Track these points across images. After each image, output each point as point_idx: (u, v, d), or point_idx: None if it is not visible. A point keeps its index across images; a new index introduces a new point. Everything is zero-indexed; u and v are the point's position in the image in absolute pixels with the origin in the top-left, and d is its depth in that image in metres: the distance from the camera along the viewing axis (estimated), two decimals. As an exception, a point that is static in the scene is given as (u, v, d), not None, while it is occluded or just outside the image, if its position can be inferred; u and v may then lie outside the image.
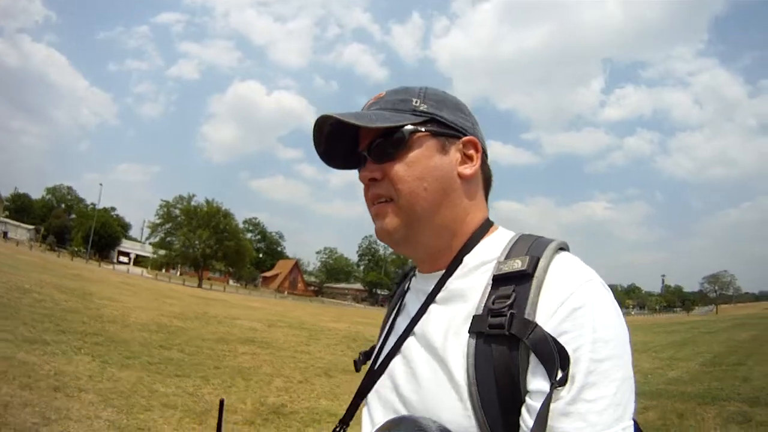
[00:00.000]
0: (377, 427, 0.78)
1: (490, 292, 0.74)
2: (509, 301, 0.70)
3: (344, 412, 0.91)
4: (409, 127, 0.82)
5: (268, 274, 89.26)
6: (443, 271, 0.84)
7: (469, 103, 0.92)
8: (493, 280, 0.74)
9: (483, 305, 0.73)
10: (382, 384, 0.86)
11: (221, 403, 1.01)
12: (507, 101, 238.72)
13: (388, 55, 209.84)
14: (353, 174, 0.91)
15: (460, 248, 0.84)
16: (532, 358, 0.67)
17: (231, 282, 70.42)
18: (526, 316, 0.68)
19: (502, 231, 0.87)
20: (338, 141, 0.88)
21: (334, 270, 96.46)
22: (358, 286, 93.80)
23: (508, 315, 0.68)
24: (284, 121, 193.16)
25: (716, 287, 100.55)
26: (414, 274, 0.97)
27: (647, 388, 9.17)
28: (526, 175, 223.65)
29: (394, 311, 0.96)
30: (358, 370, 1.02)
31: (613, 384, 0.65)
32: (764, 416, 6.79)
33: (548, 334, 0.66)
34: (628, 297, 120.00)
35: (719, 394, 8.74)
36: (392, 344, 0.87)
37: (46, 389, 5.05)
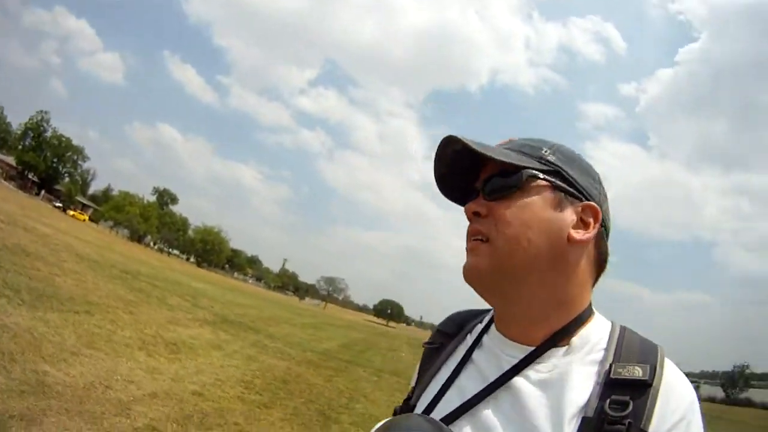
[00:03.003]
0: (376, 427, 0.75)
1: (602, 393, 0.71)
2: (628, 411, 0.68)
3: None
4: (529, 171, 0.77)
5: None
6: (536, 345, 0.78)
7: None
8: (608, 383, 0.72)
9: (595, 407, 0.70)
10: None
11: None
12: (227, 41, 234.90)
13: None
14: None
15: (565, 325, 0.78)
16: None
17: None
18: (642, 427, 0.68)
19: (600, 318, 0.82)
20: (460, 170, 0.84)
21: (-12, 130, 76.84)
22: (11, 160, 77.41)
23: (626, 424, 0.67)
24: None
25: (330, 288, 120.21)
26: (486, 331, 0.88)
27: (316, 351, 13.57)
28: (200, 110, 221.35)
29: (454, 364, 0.86)
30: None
31: None
32: (386, 377, 12.33)
33: None
34: (249, 266, 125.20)
35: (361, 362, 14.33)
36: (458, 403, 0.79)
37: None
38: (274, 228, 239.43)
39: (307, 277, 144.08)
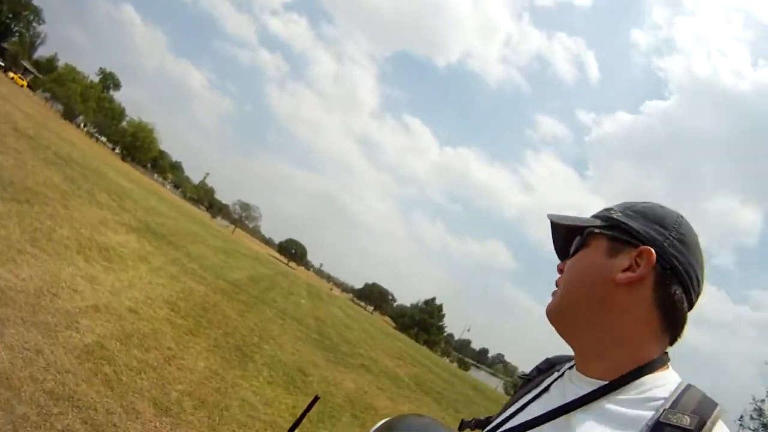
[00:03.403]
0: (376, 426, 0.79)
1: None
2: None
3: None
4: (589, 228, 0.88)
5: None
6: (604, 382, 0.80)
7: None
8: (655, 426, 0.72)
9: None
10: None
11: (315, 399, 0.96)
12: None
13: None
14: None
15: (632, 369, 0.79)
16: None
17: None
18: None
19: (672, 372, 0.82)
20: (572, 239, 0.93)
21: None
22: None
23: None
24: None
25: (244, 213, 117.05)
26: (570, 366, 0.93)
27: (228, 279, 13.70)
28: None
29: (532, 393, 0.94)
30: (461, 430, 1.02)
31: None
32: (289, 322, 12.85)
33: None
34: (171, 170, 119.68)
35: (267, 301, 14.69)
36: (517, 423, 0.86)
37: None
38: (205, 139, 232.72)
39: (222, 195, 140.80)
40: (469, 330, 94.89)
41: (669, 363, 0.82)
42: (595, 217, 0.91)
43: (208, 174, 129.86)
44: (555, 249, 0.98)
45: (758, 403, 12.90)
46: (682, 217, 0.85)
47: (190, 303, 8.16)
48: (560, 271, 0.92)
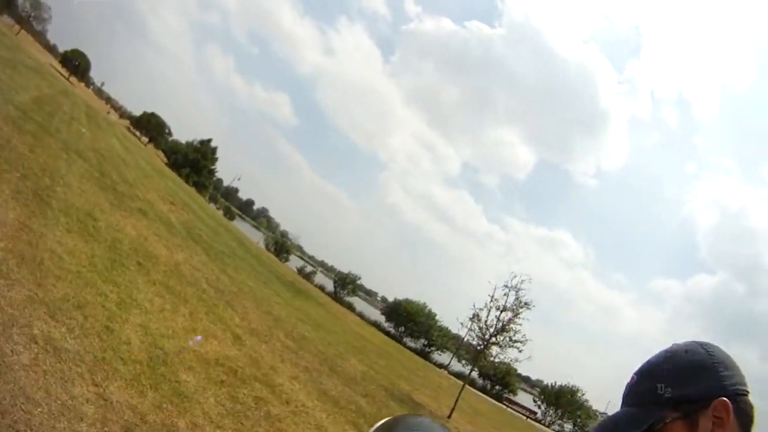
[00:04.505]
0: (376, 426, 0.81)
1: None
2: None
3: None
4: (656, 425, 0.81)
5: None
6: None
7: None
8: None
9: None
10: None
11: None
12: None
13: None
14: None
15: None
16: None
17: None
18: None
19: None
20: None
21: None
22: None
23: None
24: None
25: (33, 13, 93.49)
26: None
27: (14, 103, 12.73)
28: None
29: None
30: None
31: None
32: (74, 158, 12.50)
33: None
34: None
35: (51, 131, 13.76)
36: None
37: None
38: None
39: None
40: (239, 179, 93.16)
41: None
42: (643, 403, 0.85)
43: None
44: None
45: (478, 310, 15.92)
46: (706, 345, 0.84)
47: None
48: None
